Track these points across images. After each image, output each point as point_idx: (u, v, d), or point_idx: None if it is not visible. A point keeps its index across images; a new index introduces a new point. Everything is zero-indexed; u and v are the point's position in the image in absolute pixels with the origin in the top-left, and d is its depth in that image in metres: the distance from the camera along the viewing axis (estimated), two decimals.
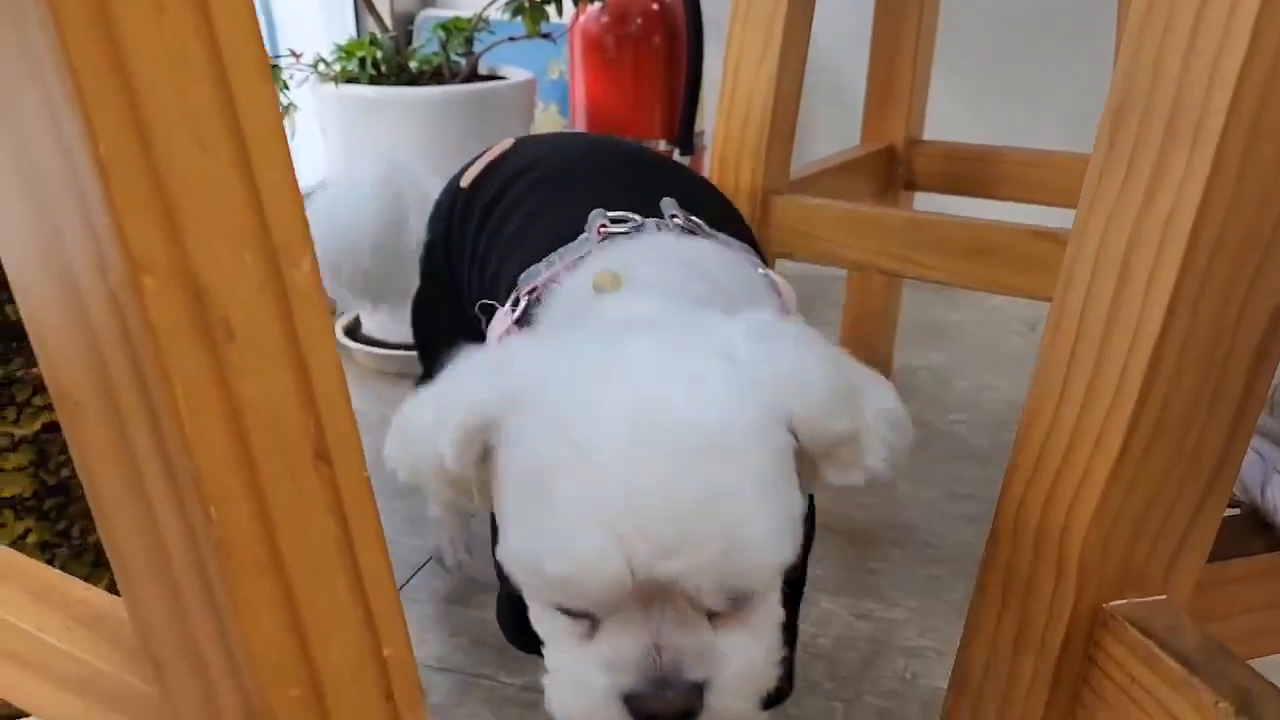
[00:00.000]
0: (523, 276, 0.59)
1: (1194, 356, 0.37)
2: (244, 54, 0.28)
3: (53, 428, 0.72)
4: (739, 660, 0.43)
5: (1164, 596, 0.43)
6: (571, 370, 0.44)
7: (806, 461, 0.45)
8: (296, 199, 0.31)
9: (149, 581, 0.32)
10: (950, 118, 1.37)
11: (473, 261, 0.71)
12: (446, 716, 0.85)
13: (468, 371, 0.48)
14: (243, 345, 0.30)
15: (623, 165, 0.73)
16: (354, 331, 1.54)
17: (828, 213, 0.97)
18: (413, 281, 0.82)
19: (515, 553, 0.43)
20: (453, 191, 0.76)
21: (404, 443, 0.50)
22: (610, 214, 0.60)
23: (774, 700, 0.74)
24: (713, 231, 0.61)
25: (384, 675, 0.36)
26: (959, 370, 1.46)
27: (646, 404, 0.41)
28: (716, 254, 0.59)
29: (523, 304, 0.57)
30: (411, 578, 1.03)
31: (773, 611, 0.45)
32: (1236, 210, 0.35)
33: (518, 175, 0.71)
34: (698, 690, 0.42)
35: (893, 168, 1.26)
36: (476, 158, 0.77)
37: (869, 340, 1.38)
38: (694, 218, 0.61)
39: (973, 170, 1.23)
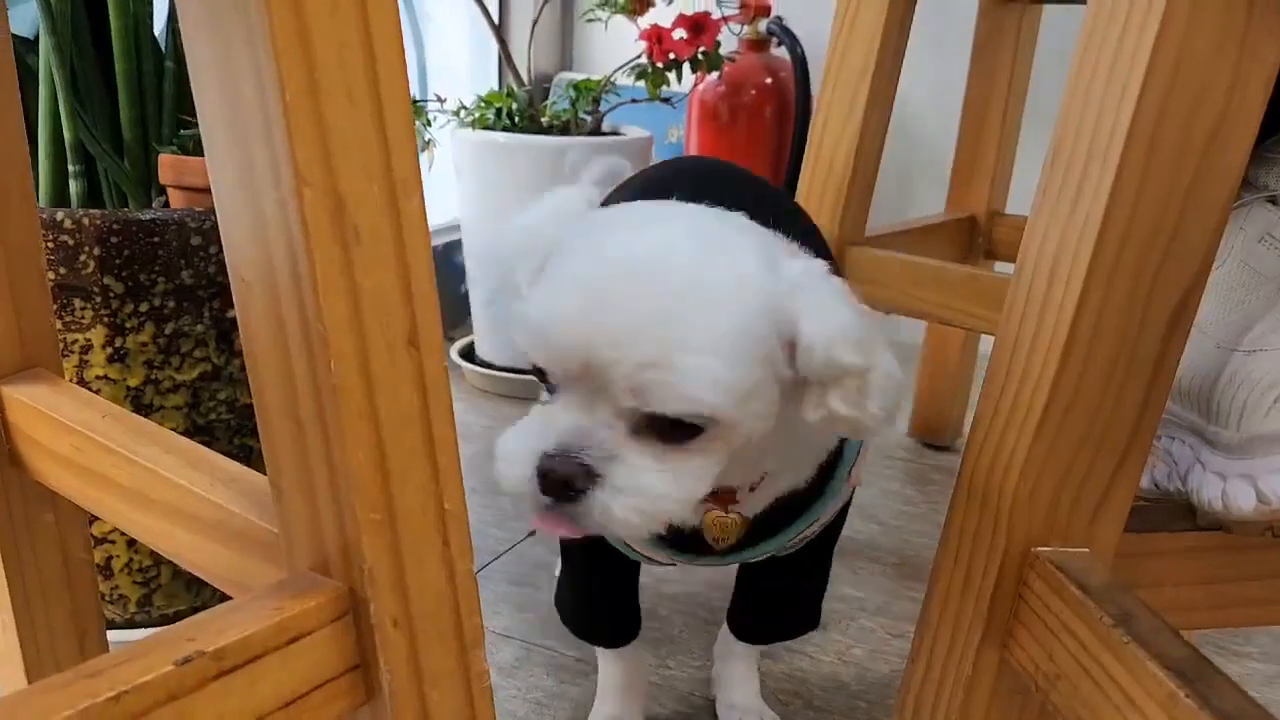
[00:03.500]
0: None
1: (1108, 332, 0.46)
2: (386, 39, 0.41)
3: (205, 377, 0.86)
4: (636, 473, 0.50)
5: (1086, 549, 0.51)
6: (603, 218, 0.55)
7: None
8: (413, 150, 0.43)
9: (282, 419, 0.44)
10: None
11: None
12: (509, 676, 0.96)
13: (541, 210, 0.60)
14: (365, 247, 0.42)
15: (707, 175, 0.79)
16: (469, 354, 1.69)
17: (894, 264, 1.07)
18: None
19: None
20: None
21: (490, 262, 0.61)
22: None
23: (799, 628, 0.83)
24: None
25: (442, 523, 0.47)
26: None
27: (642, 240, 0.51)
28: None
29: None
30: (491, 562, 1.14)
31: (699, 469, 0.51)
32: (1139, 214, 0.45)
33: (621, 188, 0.81)
34: (588, 473, 0.49)
35: (973, 236, 1.34)
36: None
37: (943, 402, 1.46)
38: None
39: None
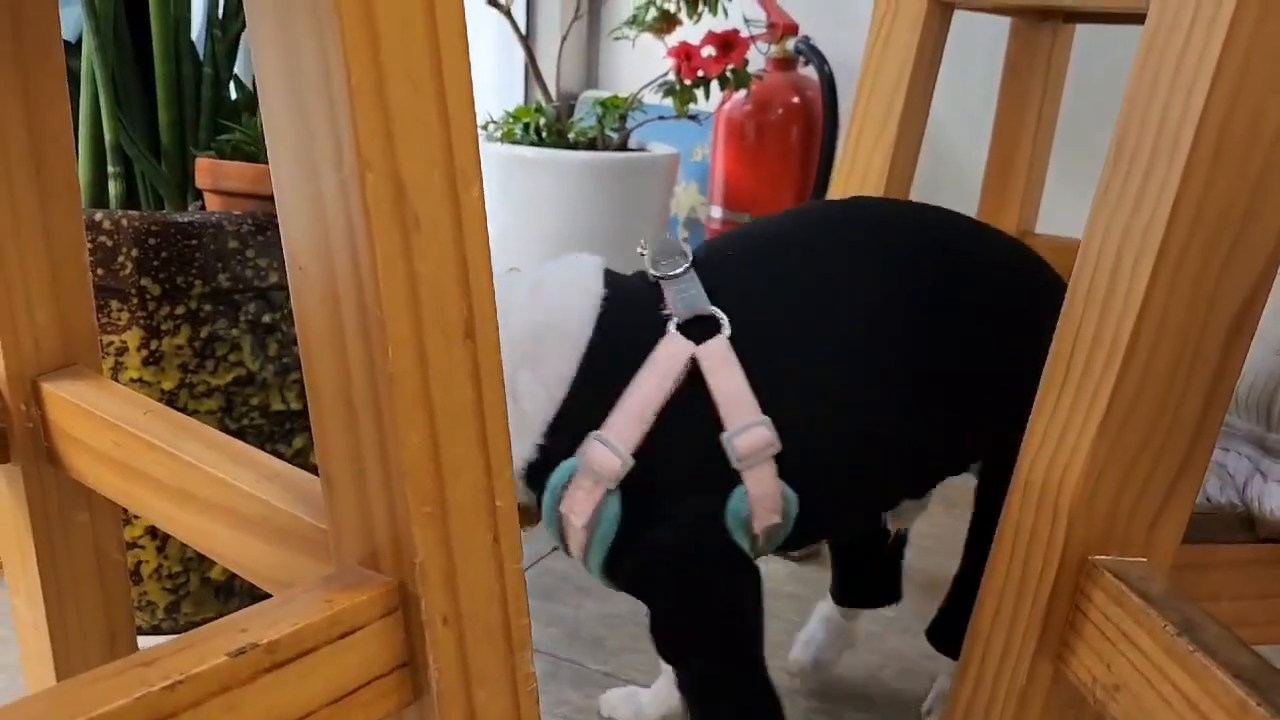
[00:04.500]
0: None
1: (1171, 333, 0.46)
2: (451, 27, 0.40)
3: (239, 382, 0.86)
4: None
5: (1144, 559, 0.50)
6: None
7: None
8: (474, 139, 0.42)
9: (335, 406, 0.44)
10: (1066, 210, 1.45)
11: None
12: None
13: None
14: (425, 234, 0.41)
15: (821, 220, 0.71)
16: None
17: None
18: None
19: None
20: None
21: None
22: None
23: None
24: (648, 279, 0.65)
25: (493, 519, 0.46)
26: None
27: None
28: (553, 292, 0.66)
29: None
30: None
31: None
32: (1205, 210, 0.44)
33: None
34: None
35: None
36: None
37: None
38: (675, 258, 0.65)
39: None
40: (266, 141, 0.42)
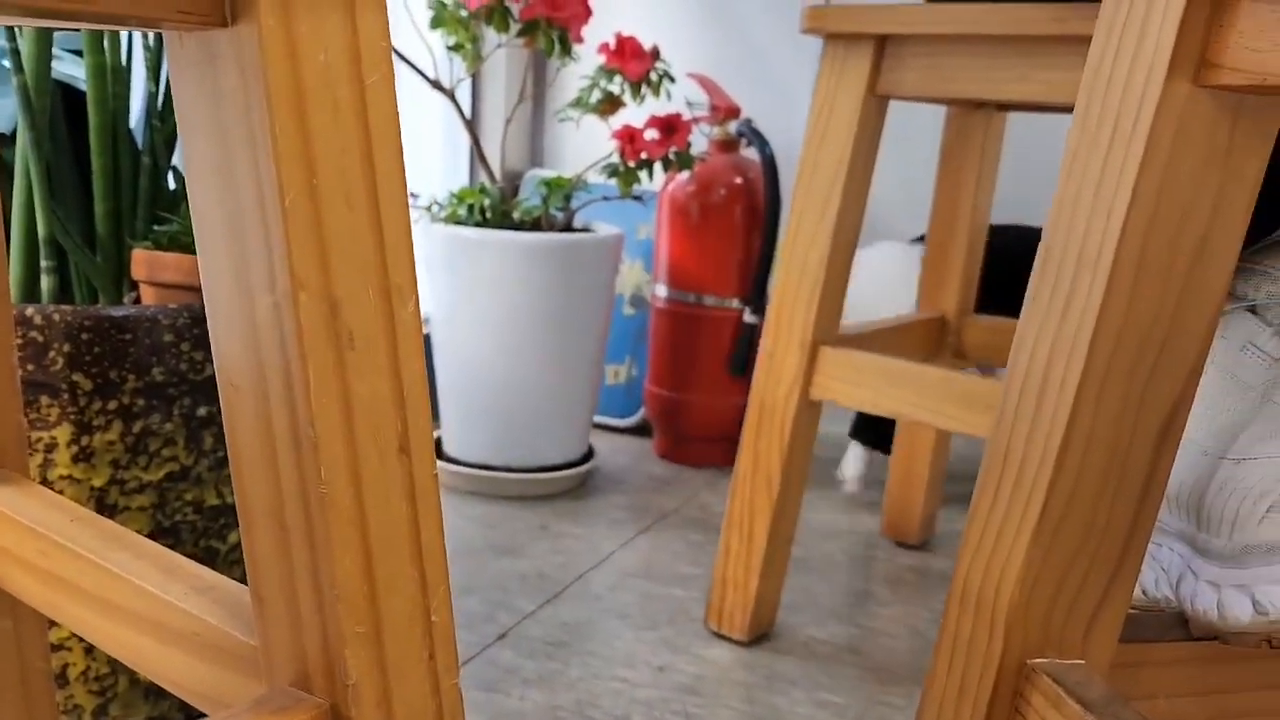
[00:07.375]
0: None
1: (1100, 441, 0.46)
2: (387, 149, 0.41)
3: (172, 477, 0.84)
4: None
5: (1082, 661, 0.50)
6: None
7: None
8: (410, 255, 0.42)
9: (266, 525, 0.43)
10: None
11: None
12: None
13: None
14: (359, 353, 0.41)
15: None
16: (437, 450, 1.66)
17: (870, 364, 1.07)
18: None
19: None
20: None
21: None
22: None
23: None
24: None
25: (429, 636, 0.45)
26: None
27: None
28: None
29: None
30: (459, 668, 1.11)
31: None
32: (1130, 324, 0.45)
33: None
34: None
35: (943, 336, 1.36)
36: None
37: (915, 501, 1.46)
38: None
39: None
40: (199, 257, 0.42)
